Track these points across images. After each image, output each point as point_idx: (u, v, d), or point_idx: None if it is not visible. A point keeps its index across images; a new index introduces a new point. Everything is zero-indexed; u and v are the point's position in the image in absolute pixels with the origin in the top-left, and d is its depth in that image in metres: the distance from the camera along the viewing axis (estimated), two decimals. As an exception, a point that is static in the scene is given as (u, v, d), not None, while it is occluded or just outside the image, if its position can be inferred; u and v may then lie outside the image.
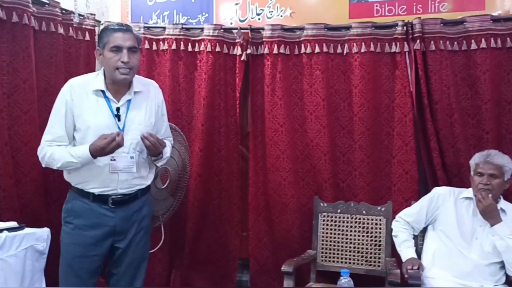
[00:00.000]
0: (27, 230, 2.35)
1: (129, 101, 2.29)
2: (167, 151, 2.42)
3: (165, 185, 3.09)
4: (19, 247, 2.25)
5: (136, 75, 2.36)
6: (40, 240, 2.35)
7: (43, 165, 2.33)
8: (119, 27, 2.25)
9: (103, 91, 2.25)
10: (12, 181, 2.81)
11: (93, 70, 3.43)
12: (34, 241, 2.32)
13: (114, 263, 2.37)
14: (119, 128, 2.23)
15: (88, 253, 2.26)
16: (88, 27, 3.39)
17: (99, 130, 2.18)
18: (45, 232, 2.40)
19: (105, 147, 2.12)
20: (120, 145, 2.14)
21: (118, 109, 2.25)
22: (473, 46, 3.03)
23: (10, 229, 2.27)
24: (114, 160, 2.21)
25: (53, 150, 2.24)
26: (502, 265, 2.51)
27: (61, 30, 3.16)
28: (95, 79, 2.29)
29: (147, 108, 2.35)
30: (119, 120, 2.24)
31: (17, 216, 2.70)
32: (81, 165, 2.21)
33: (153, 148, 2.23)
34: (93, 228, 2.25)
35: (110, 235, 2.29)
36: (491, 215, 2.47)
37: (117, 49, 2.19)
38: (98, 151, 2.14)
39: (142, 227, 2.38)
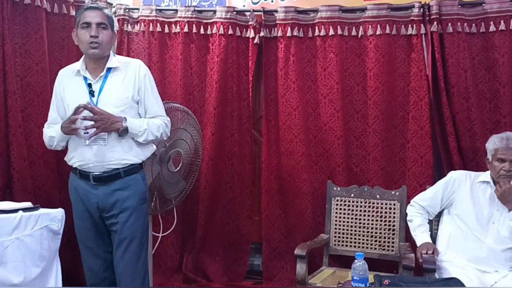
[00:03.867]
0: (42, 210, 2.35)
1: (105, 77, 2.37)
2: (140, 126, 2.36)
3: (178, 168, 3.09)
4: (35, 227, 2.25)
5: (118, 55, 2.50)
6: (54, 220, 2.36)
7: (48, 148, 2.51)
8: (90, 6, 2.44)
9: (80, 71, 2.37)
10: (25, 163, 2.83)
11: (105, 53, 3.42)
12: (48, 221, 2.32)
13: (112, 243, 2.44)
14: (93, 103, 2.31)
15: (87, 226, 2.42)
16: (100, 9, 3.36)
17: (75, 107, 2.28)
18: (59, 212, 2.40)
19: (67, 121, 2.27)
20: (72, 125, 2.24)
21: (90, 85, 2.33)
22: (492, 28, 2.98)
23: (25, 209, 2.27)
24: (87, 133, 2.28)
25: (46, 131, 2.44)
26: (518, 251, 2.48)
27: (73, 12, 3.14)
28: (78, 63, 2.42)
29: (124, 83, 2.38)
30: (93, 96, 2.32)
31: (31, 198, 2.73)
32: (57, 140, 2.37)
33: (101, 124, 2.25)
34: (82, 202, 2.39)
35: (95, 210, 2.38)
36: (509, 199, 2.43)
37: (87, 25, 2.31)
38: (64, 121, 2.31)
39: (127, 207, 2.37)
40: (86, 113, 2.26)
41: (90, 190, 2.35)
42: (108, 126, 2.26)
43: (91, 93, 2.31)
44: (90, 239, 2.42)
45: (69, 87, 2.38)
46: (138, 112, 2.43)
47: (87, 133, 2.27)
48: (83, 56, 2.40)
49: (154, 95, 2.48)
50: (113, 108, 2.30)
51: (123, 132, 2.31)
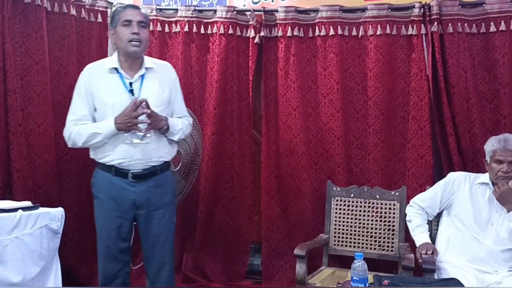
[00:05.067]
0: (42, 209, 2.35)
1: (142, 76, 2.41)
2: (176, 124, 2.47)
3: (177, 168, 3.08)
4: (34, 226, 2.25)
5: (148, 57, 2.53)
6: (54, 219, 2.36)
7: (69, 145, 2.46)
8: (129, 4, 2.54)
9: (116, 69, 2.39)
10: (25, 162, 2.83)
11: (105, 52, 3.42)
12: (48, 221, 2.33)
13: (143, 240, 2.49)
14: None
15: (112, 225, 2.40)
16: (101, 8, 3.36)
17: (115, 106, 2.32)
18: (59, 212, 2.41)
19: (127, 113, 2.26)
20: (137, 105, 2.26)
21: (131, 84, 2.37)
22: (492, 28, 2.98)
23: (24, 208, 2.27)
24: (129, 131, 2.31)
25: (79, 127, 2.37)
26: (518, 252, 2.48)
27: (73, 12, 3.15)
28: (110, 60, 2.45)
29: (160, 83, 2.45)
30: (133, 95, 2.36)
31: (31, 197, 2.73)
32: (103, 137, 2.32)
33: (155, 122, 2.32)
34: (115, 200, 2.39)
35: (131, 207, 2.40)
36: (508, 200, 2.43)
37: (128, 23, 2.35)
38: (120, 117, 2.28)
39: (164, 203, 2.46)
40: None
41: (127, 187, 2.38)
42: (157, 123, 2.34)
43: (131, 92, 2.35)
44: (111, 240, 2.42)
45: (104, 84, 2.37)
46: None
47: (130, 131, 2.32)
48: (116, 54, 2.43)
49: (181, 96, 2.61)
50: (154, 107, 2.34)
51: (166, 130, 2.39)
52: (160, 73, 2.47)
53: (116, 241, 2.42)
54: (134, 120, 2.26)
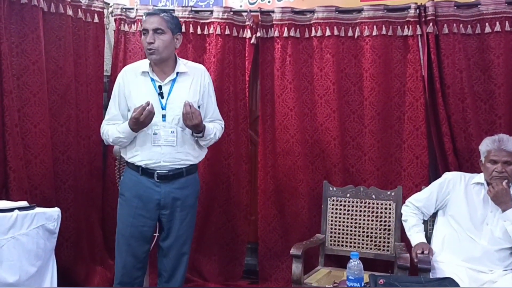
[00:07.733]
0: (38, 209, 2.36)
1: (173, 80, 2.45)
2: (212, 133, 2.51)
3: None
4: (31, 226, 2.26)
5: (183, 59, 2.60)
6: (50, 219, 2.36)
7: (105, 143, 2.58)
8: (148, 12, 2.51)
9: (148, 73, 2.45)
10: (22, 163, 2.83)
11: (102, 53, 3.43)
12: (44, 221, 2.33)
13: (162, 239, 2.54)
14: (161, 105, 2.40)
15: (136, 223, 2.45)
16: (97, 9, 3.37)
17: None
18: (55, 212, 2.41)
19: (138, 117, 2.28)
20: (151, 112, 2.28)
21: (160, 87, 2.41)
22: (487, 29, 2.99)
23: (21, 208, 2.27)
24: (156, 134, 2.39)
25: (108, 128, 2.47)
26: (512, 251, 2.50)
27: (70, 12, 3.15)
28: (144, 63, 2.50)
29: (191, 88, 2.48)
30: (162, 98, 2.41)
31: (27, 197, 2.73)
32: (127, 139, 2.41)
33: (189, 116, 2.32)
34: (140, 199, 2.45)
35: (155, 207, 2.45)
36: (502, 200, 2.45)
37: (145, 31, 2.41)
38: (134, 122, 2.32)
39: (187, 205, 2.50)
40: (157, 110, 2.35)
41: (153, 187, 2.43)
42: (190, 120, 2.35)
43: (161, 95, 2.40)
44: (134, 237, 2.46)
45: (136, 87, 2.44)
46: None
47: (156, 133, 2.38)
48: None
49: (214, 100, 2.63)
50: (180, 109, 2.37)
51: (199, 134, 2.43)
52: (193, 76, 2.50)
53: (138, 239, 2.46)
54: (141, 116, 2.28)
